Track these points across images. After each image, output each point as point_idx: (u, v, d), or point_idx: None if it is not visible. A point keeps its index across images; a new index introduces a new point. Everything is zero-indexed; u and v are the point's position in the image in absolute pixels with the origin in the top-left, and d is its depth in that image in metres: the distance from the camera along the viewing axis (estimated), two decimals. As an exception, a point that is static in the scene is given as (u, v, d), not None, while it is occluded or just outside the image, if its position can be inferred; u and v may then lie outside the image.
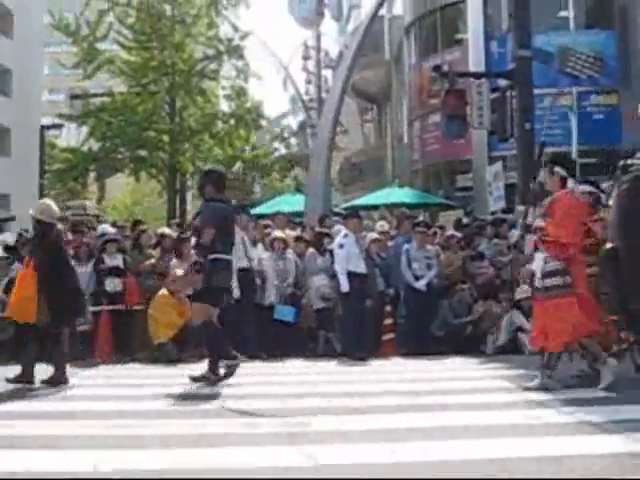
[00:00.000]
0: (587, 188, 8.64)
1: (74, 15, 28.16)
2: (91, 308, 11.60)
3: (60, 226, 9.90)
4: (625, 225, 3.30)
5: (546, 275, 7.62)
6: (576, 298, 7.40)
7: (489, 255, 12.98)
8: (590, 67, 25.27)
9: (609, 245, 3.34)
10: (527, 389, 7.51)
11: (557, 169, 7.78)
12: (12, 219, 14.69)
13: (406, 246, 12.12)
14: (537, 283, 7.75)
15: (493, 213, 16.91)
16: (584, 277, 7.60)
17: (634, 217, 3.25)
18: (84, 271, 11.52)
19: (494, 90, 16.09)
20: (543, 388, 7.41)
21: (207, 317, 8.51)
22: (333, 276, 11.71)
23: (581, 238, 7.59)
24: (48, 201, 9.50)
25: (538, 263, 7.86)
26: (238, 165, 29.15)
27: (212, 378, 8.33)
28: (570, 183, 7.79)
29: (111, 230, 13.72)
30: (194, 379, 8.39)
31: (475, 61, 25.55)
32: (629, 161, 3.33)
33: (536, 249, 7.98)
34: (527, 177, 14.93)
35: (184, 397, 7.61)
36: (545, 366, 7.58)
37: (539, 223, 8.20)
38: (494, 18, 26.15)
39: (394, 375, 8.76)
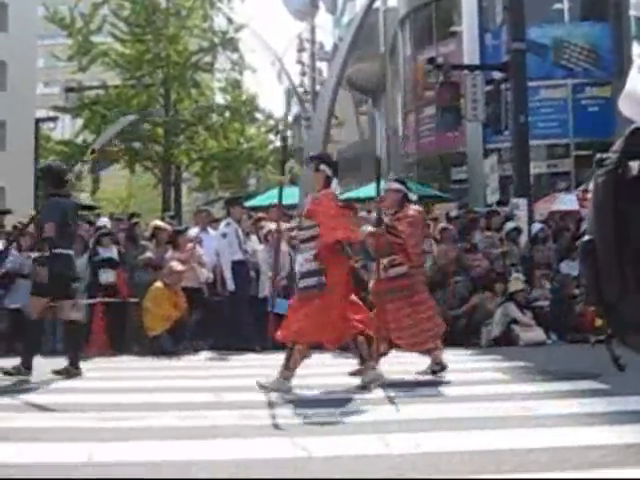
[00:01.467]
0: (395, 185, 8.45)
1: (69, 7, 28.10)
2: (86, 300, 11.62)
3: None
4: (600, 218, 3.33)
5: (303, 276, 7.57)
6: (324, 300, 7.18)
7: (482, 247, 13.01)
8: (585, 59, 25.29)
9: (586, 238, 3.37)
10: (262, 387, 7.21)
11: (323, 167, 7.57)
12: (8, 212, 14.68)
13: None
14: (297, 282, 7.75)
15: (489, 205, 16.94)
16: (341, 279, 7.37)
17: (608, 211, 3.28)
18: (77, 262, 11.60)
19: (488, 82, 16.11)
20: (276, 388, 7.18)
21: (40, 312, 8.77)
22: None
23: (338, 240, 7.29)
24: None
25: (298, 264, 7.83)
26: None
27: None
28: (334, 184, 7.62)
29: (106, 222, 13.83)
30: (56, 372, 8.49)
31: (470, 53, 25.56)
32: (604, 155, 3.34)
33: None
34: (522, 169, 15.00)
35: (177, 389, 7.61)
36: (287, 359, 7.37)
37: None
38: (489, 10, 26.08)
39: (388, 367, 8.75)
